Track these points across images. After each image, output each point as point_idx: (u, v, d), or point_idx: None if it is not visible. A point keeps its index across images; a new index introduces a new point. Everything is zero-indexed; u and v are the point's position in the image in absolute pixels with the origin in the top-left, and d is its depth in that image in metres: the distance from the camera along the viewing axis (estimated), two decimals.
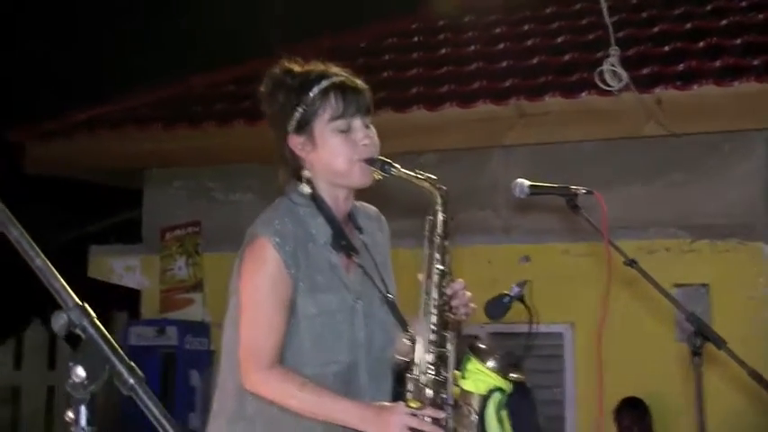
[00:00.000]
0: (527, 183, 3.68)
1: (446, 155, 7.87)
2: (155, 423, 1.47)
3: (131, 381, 1.49)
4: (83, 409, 1.50)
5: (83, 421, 1.50)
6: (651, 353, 7.07)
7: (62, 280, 1.55)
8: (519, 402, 3.08)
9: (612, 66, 6.23)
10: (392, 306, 3.18)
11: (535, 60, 7.84)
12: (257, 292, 3.06)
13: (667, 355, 6.98)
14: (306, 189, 3.14)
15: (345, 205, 3.21)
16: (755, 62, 6.94)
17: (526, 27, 8.63)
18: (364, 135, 3.12)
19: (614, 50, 6.25)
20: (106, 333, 1.53)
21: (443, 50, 8.59)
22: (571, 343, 7.46)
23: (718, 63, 7.06)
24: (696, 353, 3.49)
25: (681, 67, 7.14)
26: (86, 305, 1.55)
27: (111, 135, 8.66)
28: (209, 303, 8.45)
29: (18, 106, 10.60)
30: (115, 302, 9.34)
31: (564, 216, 7.21)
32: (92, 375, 1.49)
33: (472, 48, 8.44)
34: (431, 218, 3.09)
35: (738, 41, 7.34)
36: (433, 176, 3.11)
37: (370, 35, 9.30)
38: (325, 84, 3.11)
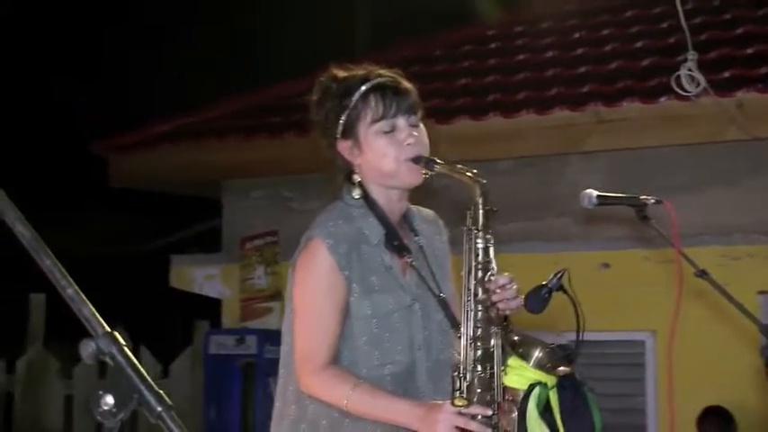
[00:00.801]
0: (595, 193, 3.64)
1: (523, 162, 7.82)
2: None
3: (159, 408, 1.48)
4: None
5: None
6: (732, 363, 6.93)
7: (92, 307, 1.54)
8: (572, 397, 3.01)
9: (690, 71, 6.13)
10: (445, 305, 3.17)
11: (613, 65, 7.74)
12: (311, 294, 3.08)
13: (750, 365, 6.84)
14: (357, 192, 3.14)
15: (399, 207, 3.21)
16: None
17: (605, 32, 8.53)
18: (408, 134, 3.11)
19: (692, 55, 6.15)
20: (135, 361, 1.52)
21: (521, 56, 8.53)
22: (653, 351, 7.35)
23: None
24: None
25: (763, 69, 6.99)
26: (116, 332, 1.55)
27: (191, 146, 8.75)
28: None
29: (100, 119, 10.75)
30: (196, 311, 9.42)
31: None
32: (120, 403, 1.49)
33: (550, 53, 8.37)
34: (470, 211, 3.05)
35: None
36: (474, 170, 3.06)
37: (447, 42, 9.27)
38: (366, 87, 3.12)
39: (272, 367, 8.51)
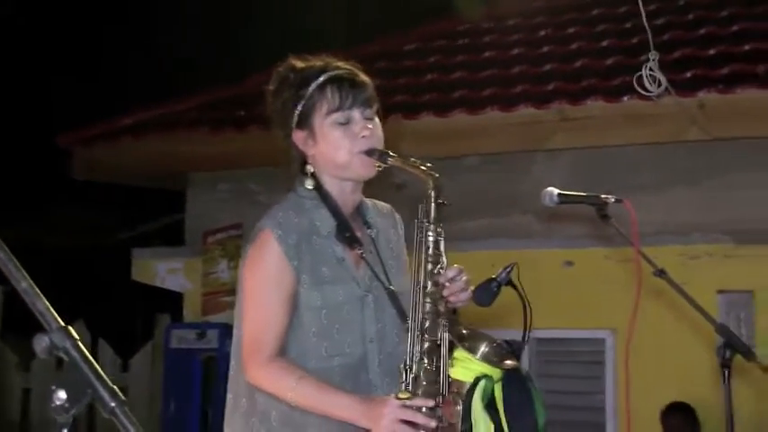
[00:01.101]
0: (556, 191, 3.65)
1: (488, 159, 7.85)
2: None
3: (112, 404, 1.48)
4: None
5: None
6: (690, 361, 6.98)
7: (46, 302, 1.54)
8: (518, 392, 3.02)
9: (651, 70, 6.16)
10: (395, 298, 3.16)
11: (578, 64, 7.78)
12: (259, 285, 3.07)
13: (708, 362, 6.90)
14: (310, 183, 3.15)
15: (352, 199, 3.22)
16: None
17: (571, 30, 8.56)
18: (362, 127, 3.12)
19: (653, 55, 6.19)
20: (89, 356, 1.52)
21: (487, 53, 8.54)
22: (613, 349, 7.39)
23: (761, 67, 6.95)
24: (725, 365, 3.45)
25: (725, 70, 7.04)
26: (70, 327, 1.55)
27: (157, 139, 8.70)
28: None
29: (65, 111, 10.69)
30: (158, 305, 9.39)
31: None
32: (74, 399, 1.48)
33: (516, 51, 8.40)
34: (423, 204, 3.07)
35: None
36: (427, 164, 3.07)
37: (418, 37, 9.27)
38: (323, 78, 3.13)
39: None
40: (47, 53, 11.83)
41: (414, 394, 2.94)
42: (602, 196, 3.66)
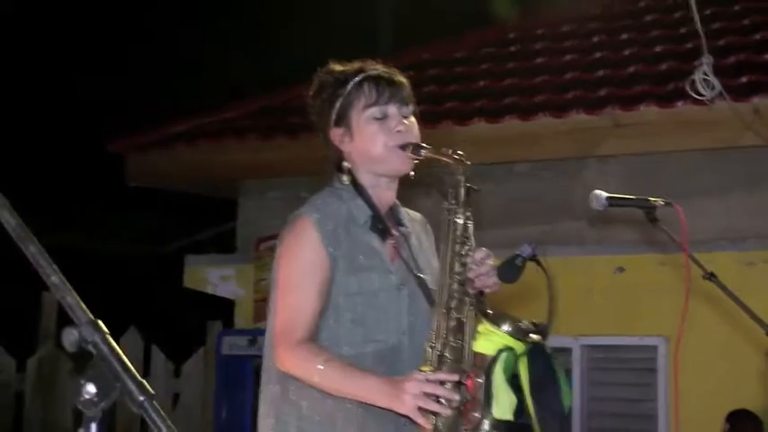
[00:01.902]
0: (604, 194, 3.64)
1: (540, 165, 7.81)
2: None
3: (141, 398, 1.47)
4: (93, 427, 1.49)
5: None
6: (744, 368, 6.90)
7: (77, 296, 1.54)
8: (543, 367, 3.00)
9: (705, 75, 6.10)
10: (425, 287, 3.17)
11: (631, 69, 7.72)
12: (293, 270, 3.08)
13: (760, 370, 6.82)
14: (346, 179, 3.18)
15: (387, 196, 3.24)
16: None
17: (624, 36, 8.51)
18: (398, 122, 3.16)
19: (707, 59, 6.12)
20: (118, 349, 1.52)
21: (539, 60, 8.51)
22: (665, 357, 7.31)
23: None
24: None
25: None
26: (99, 321, 1.54)
27: (209, 146, 8.76)
28: None
29: (118, 117, 10.77)
30: (210, 312, 9.43)
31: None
32: (102, 393, 1.48)
33: (568, 57, 8.35)
34: (452, 190, 3.09)
35: None
36: (459, 152, 3.09)
37: (468, 44, 9.26)
38: (360, 76, 3.18)
39: None
40: (96, 56, 11.93)
41: (437, 369, 2.94)
42: (651, 199, 3.63)
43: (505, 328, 2.96)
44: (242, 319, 8.85)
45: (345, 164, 3.19)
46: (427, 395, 2.88)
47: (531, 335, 2.98)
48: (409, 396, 2.87)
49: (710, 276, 3.57)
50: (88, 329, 1.50)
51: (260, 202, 9.02)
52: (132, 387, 1.47)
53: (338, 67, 3.24)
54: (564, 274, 7.49)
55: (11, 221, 1.51)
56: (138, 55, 12.17)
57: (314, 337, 3.06)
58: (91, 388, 1.48)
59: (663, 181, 7.21)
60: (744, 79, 6.97)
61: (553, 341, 3.16)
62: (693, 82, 6.14)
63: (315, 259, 3.06)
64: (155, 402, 1.47)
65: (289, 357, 3.03)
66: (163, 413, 1.46)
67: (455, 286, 3.03)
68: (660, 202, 3.61)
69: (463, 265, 3.04)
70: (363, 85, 3.16)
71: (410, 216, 3.37)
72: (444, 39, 9.56)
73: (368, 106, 3.15)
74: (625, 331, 7.46)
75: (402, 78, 3.24)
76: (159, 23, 12.37)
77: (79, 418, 1.46)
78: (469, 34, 9.56)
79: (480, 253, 3.06)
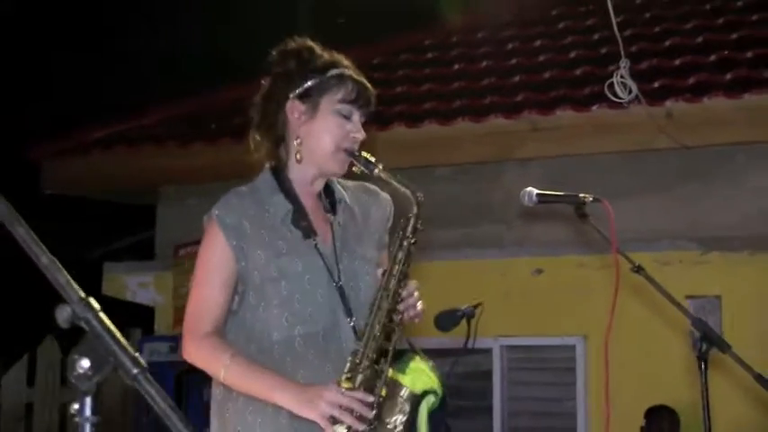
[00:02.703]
0: (535, 191, 3.71)
1: (459, 169, 7.92)
2: (159, 412, 1.51)
3: (135, 371, 1.52)
4: (88, 400, 1.53)
5: (87, 411, 1.54)
6: (664, 362, 7.07)
7: (67, 275, 1.58)
8: (441, 414, 3.12)
9: (622, 78, 6.26)
10: (341, 293, 3.17)
11: (547, 75, 7.87)
12: (198, 267, 3.15)
13: (681, 364, 7.00)
14: (298, 154, 3.18)
15: (314, 185, 3.25)
16: (766, 74, 6.96)
17: (538, 42, 8.67)
18: (358, 129, 3.19)
19: (624, 63, 6.28)
20: (110, 325, 1.56)
21: (456, 66, 8.63)
22: (583, 355, 7.47)
23: (728, 76, 7.07)
24: (702, 358, 3.51)
25: (691, 80, 7.16)
26: (91, 299, 1.59)
27: (127, 153, 8.72)
28: None
29: (34, 125, 10.67)
30: (129, 319, 9.37)
31: (577, 229, 7.25)
32: (96, 367, 1.53)
33: (484, 63, 8.48)
34: (403, 221, 3.15)
35: (749, 54, 7.35)
36: (411, 183, 3.14)
37: (383, 50, 9.35)
38: (345, 70, 3.21)
39: (206, 373, 8.57)
40: (13, 61, 11.79)
41: (355, 387, 2.98)
42: (581, 195, 3.72)
43: (433, 369, 3.07)
44: (162, 325, 8.83)
45: (295, 142, 3.18)
46: (341, 407, 2.92)
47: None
48: (325, 403, 2.91)
49: (638, 269, 3.67)
50: (80, 307, 1.55)
51: (179, 208, 9.00)
52: (125, 360, 1.52)
53: (318, 49, 3.25)
54: (483, 276, 7.68)
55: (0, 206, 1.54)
56: (57, 61, 12.06)
57: (220, 330, 3.10)
58: (84, 363, 1.52)
59: (580, 182, 7.30)
60: (656, 84, 7.14)
61: (473, 342, 3.29)
62: (612, 85, 6.30)
63: (217, 255, 3.10)
64: (148, 374, 1.51)
65: (193, 351, 3.08)
66: (157, 385, 1.50)
67: (386, 314, 3.07)
68: (589, 197, 3.70)
69: (398, 295, 3.09)
70: (346, 79, 3.18)
71: (361, 189, 3.37)
72: (360, 44, 9.63)
73: (343, 101, 3.17)
74: (544, 332, 7.60)
75: (373, 91, 3.27)
76: (80, 28, 12.28)
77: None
78: (385, 40, 9.65)
79: (412, 286, 3.13)
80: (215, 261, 3.11)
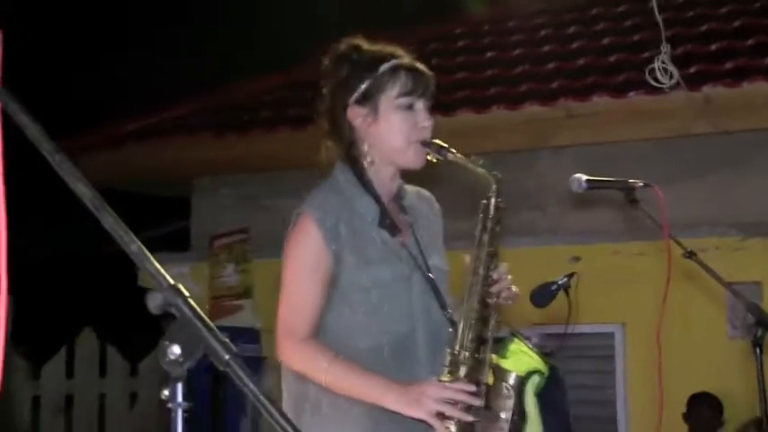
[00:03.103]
0: (584, 177, 3.72)
1: (494, 157, 7.85)
2: (251, 397, 1.51)
3: (226, 357, 1.52)
4: (179, 386, 1.54)
5: (179, 398, 1.54)
6: (704, 351, 7.05)
7: (156, 263, 1.59)
8: (552, 391, 3.10)
9: (664, 63, 6.23)
10: (433, 285, 3.20)
11: (581, 62, 7.84)
12: (295, 268, 3.12)
13: (720, 353, 6.98)
14: (368, 159, 3.18)
15: (391, 185, 3.25)
16: None
17: (571, 29, 8.64)
18: (425, 117, 3.18)
19: (665, 47, 6.25)
20: (200, 311, 1.57)
21: (489, 54, 8.61)
22: (622, 343, 7.45)
23: (766, 61, 7.03)
24: (757, 343, 3.50)
25: (729, 65, 7.12)
26: (180, 285, 1.59)
27: (160, 144, 8.75)
28: (259, 309, 8.50)
29: (68, 116, 10.70)
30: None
31: (614, 216, 7.23)
32: (187, 353, 1.53)
33: (518, 51, 8.46)
34: (484, 202, 3.13)
35: None
36: (487, 163, 3.13)
37: (414, 40, 9.32)
38: (396, 62, 3.18)
39: (244, 364, 8.58)
40: (45, 53, 11.83)
41: (455, 378, 2.98)
42: (630, 181, 3.71)
43: (534, 349, 3.06)
44: None
45: (365, 146, 3.18)
46: (446, 401, 2.93)
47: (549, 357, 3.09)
48: (429, 400, 2.91)
49: (690, 255, 3.67)
50: (170, 293, 1.56)
51: (213, 199, 9.03)
52: (217, 346, 1.53)
53: (365, 45, 3.23)
54: (519, 265, 7.64)
55: (87, 193, 1.55)
56: (87, 54, 12.10)
57: (316, 334, 3.09)
58: (176, 349, 1.53)
59: (613, 170, 7.24)
60: (693, 69, 7.11)
61: (576, 315, 3.30)
62: (652, 70, 6.27)
63: (316, 257, 3.09)
64: (240, 360, 1.52)
65: (293, 356, 3.08)
66: (249, 370, 1.51)
67: (480, 299, 3.07)
68: (639, 183, 3.70)
69: (488, 278, 3.09)
70: (399, 71, 3.16)
71: (418, 195, 3.38)
72: (389, 34, 9.62)
73: (401, 95, 3.14)
74: (582, 320, 7.56)
75: (429, 71, 3.25)
76: (108, 21, 12.31)
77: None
78: (412, 31, 9.63)
79: (503, 268, 3.11)
80: (313, 262, 3.09)
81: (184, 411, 1.55)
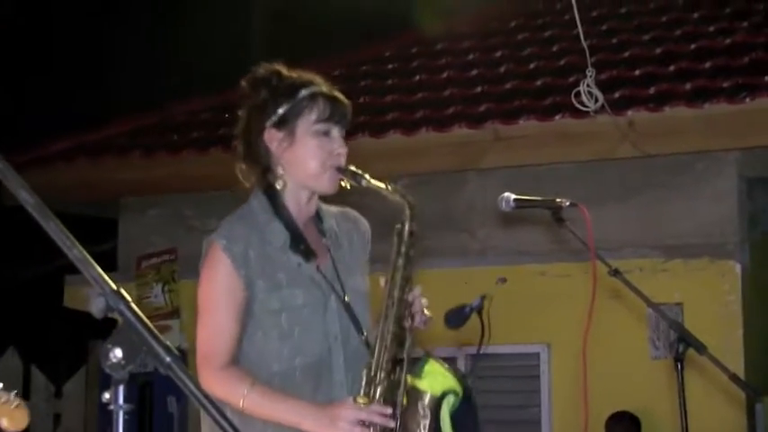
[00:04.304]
0: (513, 196, 3.77)
1: (422, 178, 7.95)
2: (192, 398, 1.54)
3: (167, 359, 1.56)
4: (121, 389, 1.57)
5: (120, 400, 1.57)
6: (627, 372, 7.16)
7: (99, 268, 1.62)
8: (465, 411, 3.16)
9: (589, 86, 6.35)
10: (348, 308, 3.24)
11: (509, 85, 7.96)
12: (208, 296, 3.16)
13: (642, 373, 7.10)
14: (280, 183, 3.20)
15: (308, 207, 3.27)
16: (725, 84, 7.08)
17: (499, 53, 8.75)
18: (340, 144, 3.22)
19: (590, 72, 6.37)
20: (142, 315, 1.60)
21: (418, 77, 8.70)
22: (547, 363, 7.54)
23: (688, 86, 7.19)
24: (679, 359, 3.58)
25: (652, 90, 7.27)
26: (122, 290, 1.63)
27: (88, 165, 8.71)
28: (186, 330, 8.48)
29: None
30: (92, 331, 9.34)
31: (540, 238, 7.34)
32: (129, 356, 1.57)
33: (446, 74, 8.56)
34: (399, 227, 3.18)
35: (708, 65, 7.48)
36: (401, 189, 3.20)
37: (344, 62, 9.40)
38: (315, 89, 3.23)
39: (170, 386, 8.53)
40: None
41: (371, 400, 3.03)
42: (558, 200, 3.77)
43: (449, 369, 3.12)
44: None
45: (280, 169, 3.20)
46: (361, 423, 2.97)
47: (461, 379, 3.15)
48: (344, 422, 2.95)
49: (615, 273, 3.74)
50: (113, 298, 1.59)
51: (140, 220, 9.00)
52: (159, 349, 1.56)
53: (285, 72, 3.27)
54: (446, 286, 7.72)
55: (29, 200, 1.58)
56: (13, 72, 11.99)
57: (235, 360, 3.12)
58: (118, 352, 1.56)
59: (540, 192, 7.36)
60: (618, 93, 7.24)
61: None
62: (578, 94, 6.38)
63: (228, 283, 3.12)
64: (181, 363, 1.55)
65: (213, 383, 3.08)
66: (190, 373, 1.54)
67: (396, 321, 3.11)
68: (566, 202, 3.76)
69: (403, 301, 3.13)
70: (317, 98, 3.20)
71: (342, 216, 3.41)
72: (320, 56, 9.68)
73: (319, 121, 3.18)
74: (508, 340, 7.66)
75: (347, 102, 3.31)
76: (35, 40, 12.22)
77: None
78: (344, 54, 9.71)
79: (417, 291, 3.16)
80: (225, 290, 3.13)
81: (126, 413, 1.58)
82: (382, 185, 3.17)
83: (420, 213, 3.21)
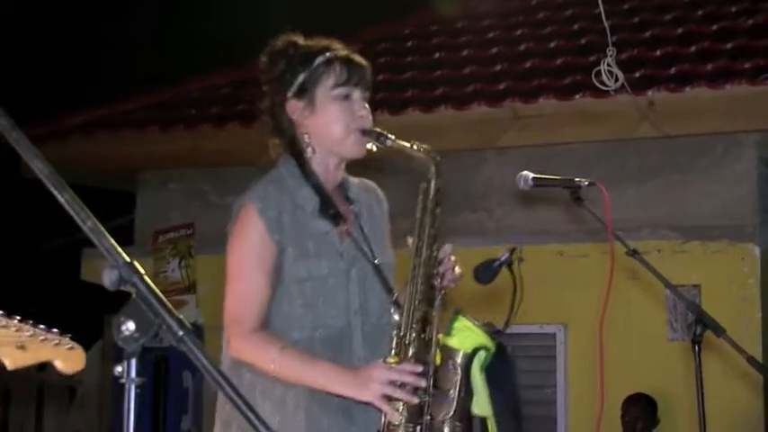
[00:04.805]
0: (531, 175, 3.76)
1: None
2: (203, 372, 1.53)
3: (180, 332, 1.55)
4: (133, 362, 1.56)
5: (133, 373, 1.56)
6: (644, 353, 7.14)
7: (112, 240, 1.61)
8: (500, 366, 3.13)
9: (609, 66, 6.31)
10: (379, 271, 3.24)
11: (529, 64, 7.91)
12: (240, 259, 3.14)
13: (659, 354, 7.07)
14: (309, 150, 3.21)
15: (335, 175, 3.28)
16: (746, 65, 7.03)
17: (519, 32, 8.70)
18: (362, 106, 3.22)
19: (611, 51, 6.33)
20: (155, 288, 1.59)
21: (437, 54, 8.66)
22: (563, 343, 7.52)
23: (709, 66, 7.14)
24: (696, 341, 3.56)
25: (673, 70, 7.22)
26: (135, 262, 1.61)
27: (106, 138, 8.72)
28: (202, 305, 8.49)
29: (13, 110, 10.61)
30: (108, 305, 9.35)
31: (559, 217, 7.31)
32: (141, 329, 1.55)
33: (466, 52, 8.52)
34: (424, 185, 3.19)
35: (729, 46, 7.42)
36: (427, 147, 3.18)
37: (363, 39, 9.35)
38: (330, 54, 3.22)
39: (185, 361, 8.53)
40: None
41: (401, 359, 3.01)
42: (576, 179, 3.75)
43: (479, 325, 3.10)
44: None
45: (306, 137, 3.21)
46: (393, 383, 2.95)
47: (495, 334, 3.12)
48: (376, 383, 2.94)
49: (633, 253, 3.72)
50: (126, 270, 1.58)
51: (158, 194, 9.01)
52: (171, 322, 1.55)
53: (301, 41, 3.27)
54: (463, 265, 7.71)
55: (44, 170, 1.57)
56: (33, 47, 12.01)
57: (265, 324, 3.11)
58: (130, 325, 1.55)
59: (558, 171, 7.37)
60: (639, 73, 7.20)
61: (521, 294, 3.33)
62: (598, 73, 6.34)
63: (261, 247, 3.11)
64: (193, 335, 1.54)
65: (243, 346, 3.09)
66: (201, 345, 1.53)
67: (425, 279, 3.10)
68: (584, 182, 3.74)
69: (432, 258, 3.12)
70: (334, 63, 3.20)
71: (363, 186, 3.41)
72: (339, 33, 9.64)
73: (337, 85, 3.19)
74: (523, 320, 7.63)
75: (364, 61, 3.30)
76: (56, 15, 12.23)
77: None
78: (363, 30, 9.67)
79: (448, 248, 3.17)
80: (258, 253, 3.12)
81: (138, 387, 1.57)
82: (407, 144, 3.18)
83: (452, 188, 3.18)
